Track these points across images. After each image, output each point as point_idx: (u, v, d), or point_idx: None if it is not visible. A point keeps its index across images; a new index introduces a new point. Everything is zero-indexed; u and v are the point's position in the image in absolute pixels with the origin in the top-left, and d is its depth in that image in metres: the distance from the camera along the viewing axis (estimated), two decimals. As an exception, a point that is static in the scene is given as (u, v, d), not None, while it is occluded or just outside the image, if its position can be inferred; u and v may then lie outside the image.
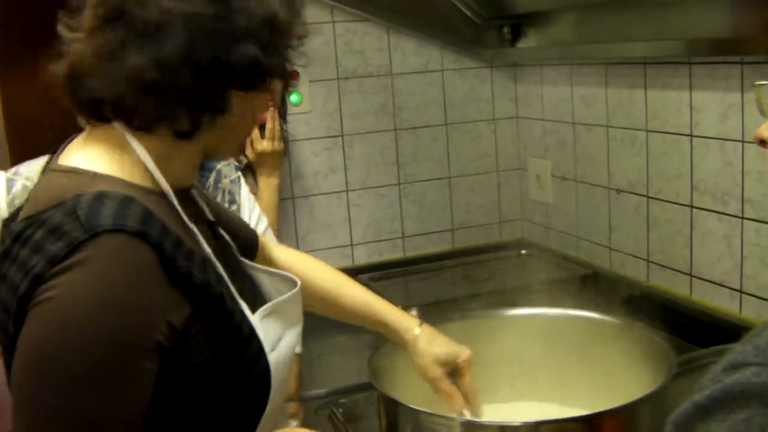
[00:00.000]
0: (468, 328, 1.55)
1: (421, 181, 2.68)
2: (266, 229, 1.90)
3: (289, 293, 1.16)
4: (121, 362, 0.89)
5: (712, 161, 1.91)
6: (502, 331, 1.55)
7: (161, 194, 1.02)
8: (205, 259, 1.01)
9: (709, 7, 1.80)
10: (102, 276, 0.88)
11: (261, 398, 1.05)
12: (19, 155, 2.47)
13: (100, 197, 0.92)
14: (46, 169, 1.05)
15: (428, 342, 1.41)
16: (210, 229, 1.18)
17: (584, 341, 1.52)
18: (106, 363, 0.88)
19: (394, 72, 2.59)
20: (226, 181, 1.81)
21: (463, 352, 1.42)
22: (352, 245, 2.64)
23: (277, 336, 1.09)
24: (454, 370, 1.43)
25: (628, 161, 2.21)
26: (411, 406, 1.25)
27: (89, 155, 1.00)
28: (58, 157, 1.04)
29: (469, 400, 1.42)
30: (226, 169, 1.82)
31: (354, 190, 2.61)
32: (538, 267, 2.58)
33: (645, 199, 2.16)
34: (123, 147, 1.01)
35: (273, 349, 1.06)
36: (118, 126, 1.00)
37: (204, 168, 1.77)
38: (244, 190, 1.88)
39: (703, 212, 1.96)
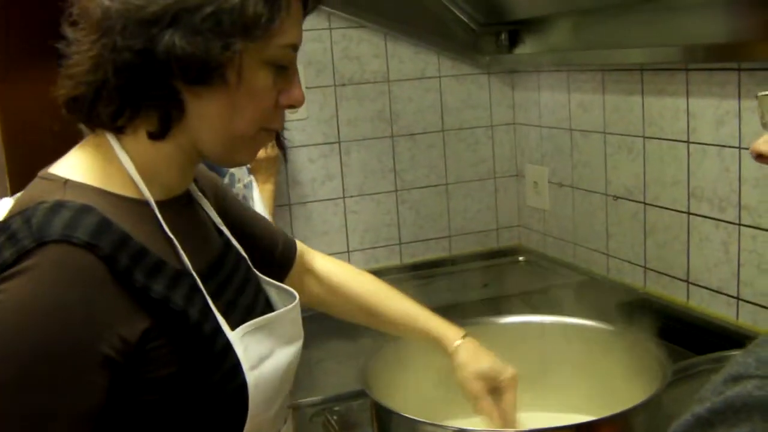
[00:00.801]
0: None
1: (418, 187, 2.67)
2: None
3: (280, 311, 1.14)
4: (54, 373, 0.87)
5: (709, 168, 1.91)
6: (497, 339, 1.53)
7: (144, 203, 1.01)
8: (180, 272, 0.99)
9: (706, 13, 1.80)
10: (43, 285, 0.87)
11: (238, 416, 1.02)
12: (17, 161, 2.47)
13: (57, 206, 0.91)
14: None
15: (471, 355, 1.37)
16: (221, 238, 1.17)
17: (579, 349, 1.51)
18: (35, 372, 0.87)
19: (391, 78, 2.59)
20: (239, 186, 1.81)
21: (507, 370, 1.37)
22: (349, 252, 2.63)
23: (262, 354, 1.06)
24: (495, 388, 1.37)
25: (625, 168, 2.20)
26: (404, 414, 1.24)
27: (73, 162, 1.00)
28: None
29: (506, 422, 1.35)
30: (239, 172, 1.82)
31: (351, 196, 2.61)
32: (536, 274, 2.57)
33: (642, 205, 2.16)
34: (109, 154, 1.00)
35: (254, 367, 1.03)
36: (105, 131, 1.00)
37: (218, 170, 1.76)
38: (256, 194, 1.87)
39: (700, 219, 1.96)
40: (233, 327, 1.03)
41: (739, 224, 1.84)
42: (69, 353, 0.88)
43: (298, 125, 2.50)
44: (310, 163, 2.55)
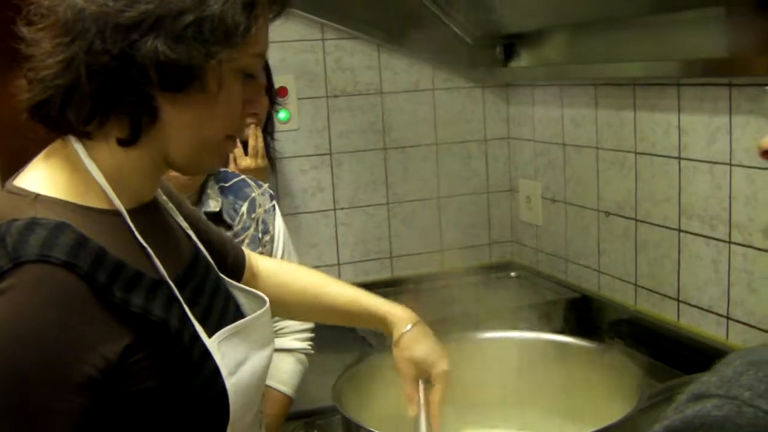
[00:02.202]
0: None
1: (410, 200, 2.65)
2: None
3: (252, 315, 1.12)
4: (35, 395, 0.85)
5: (700, 185, 1.88)
6: (476, 355, 1.51)
7: (115, 213, 0.99)
8: (157, 282, 0.98)
9: (701, 28, 1.78)
10: (21, 307, 0.85)
11: (219, 423, 1.01)
12: (1, 166, 2.45)
13: (31, 225, 0.88)
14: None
15: (413, 340, 1.37)
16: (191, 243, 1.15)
17: (559, 366, 1.49)
18: (15, 394, 0.84)
19: (384, 90, 2.57)
20: (260, 211, 1.78)
21: (439, 364, 1.37)
22: (339, 264, 2.61)
23: (238, 359, 1.04)
24: (427, 379, 1.37)
25: (617, 183, 2.18)
26: (373, 430, 1.21)
27: (40, 174, 0.98)
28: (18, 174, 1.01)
29: (429, 412, 1.35)
30: (261, 198, 1.79)
31: (342, 208, 2.59)
32: (527, 290, 2.54)
33: (633, 222, 2.13)
34: (76, 163, 0.98)
35: (232, 373, 1.02)
36: (70, 138, 0.98)
37: (238, 197, 1.74)
38: (279, 221, 1.84)
39: (691, 236, 1.93)
40: (210, 333, 1.02)
41: (730, 242, 1.81)
42: (50, 376, 0.86)
43: (289, 136, 2.49)
44: (301, 174, 2.53)
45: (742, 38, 1.70)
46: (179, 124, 0.98)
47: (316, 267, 2.53)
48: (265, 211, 1.81)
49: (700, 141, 1.86)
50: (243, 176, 1.83)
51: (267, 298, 1.18)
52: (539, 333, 1.56)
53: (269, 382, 1.87)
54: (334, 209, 2.57)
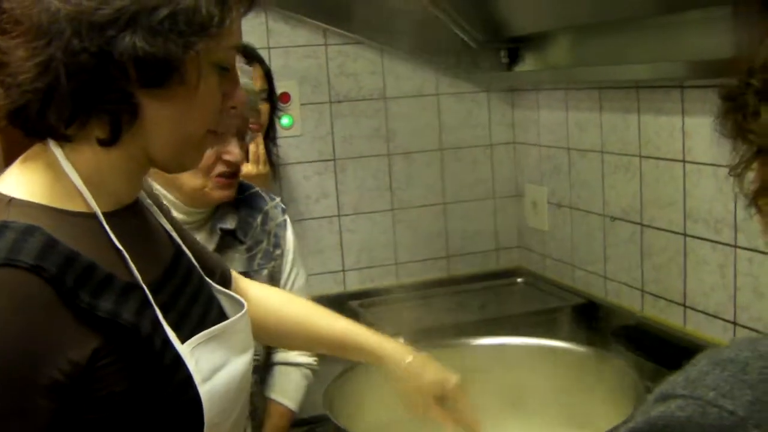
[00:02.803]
0: (441, 358, 1.50)
1: (415, 207, 2.63)
2: (302, 286, 1.85)
3: (229, 320, 1.11)
4: (0, 398, 0.85)
5: (705, 188, 1.85)
6: (475, 361, 1.49)
7: (92, 216, 0.97)
8: (130, 285, 0.96)
9: (707, 28, 1.76)
10: None
11: (194, 429, 0.99)
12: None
13: (1, 228, 0.88)
14: None
15: (419, 369, 1.38)
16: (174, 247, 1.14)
17: (559, 371, 1.46)
18: None
19: (387, 96, 2.55)
20: (272, 224, 1.76)
21: (451, 379, 1.39)
22: (344, 271, 2.59)
23: (214, 365, 1.03)
24: (442, 398, 1.39)
25: (623, 188, 2.15)
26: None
27: (17, 179, 0.97)
28: None
29: (464, 423, 1.38)
30: (273, 211, 1.78)
31: (346, 215, 2.57)
32: (533, 296, 2.51)
33: (639, 227, 2.10)
34: (54, 167, 0.97)
35: (207, 380, 1.00)
36: (48, 142, 0.97)
37: (253, 208, 1.73)
38: (290, 235, 1.82)
39: (697, 240, 1.90)
40: (187, 338, 1.00)
41: (735, 246, 1.78)
42: (16, 380, 0.86)
43: (292, 142, 2.47)
44: (304, 180, 2.51)
45: (748, 38, 1.67)
46: (160, 120, 0.98)
47: (321, 274, 2.52)
48: (277, 225, 1.80)
49: (705, 144, 1.83)
50: (256, 188, 1.81)
51: (245, 303, 1.17)
52: (538, 339, 1.54)
53: (274, 395, 1.86)
54: (339, 215, 2.56)
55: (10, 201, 0.93)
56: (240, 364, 1.09)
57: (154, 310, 0.98)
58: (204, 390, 0.99)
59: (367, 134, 2.55)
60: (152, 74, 0.94)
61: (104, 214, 0.98)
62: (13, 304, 0.85)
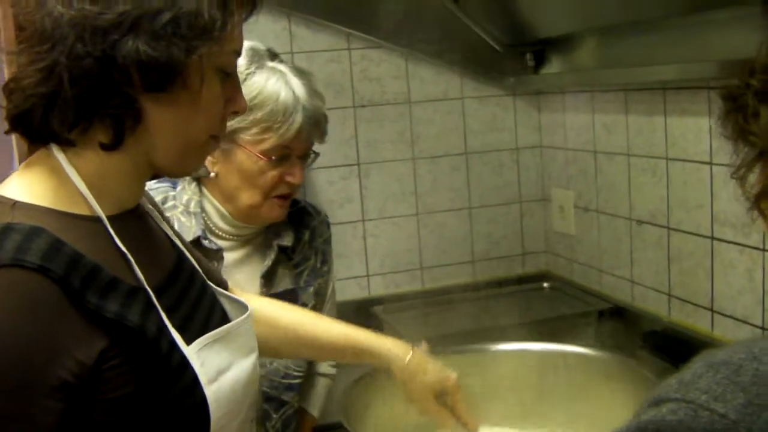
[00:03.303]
0: (459, 363, 1.49)
1: (440, 211, 2.61)
2: (331, 308, 1.85)
3: (233, 322, 1.11)
4: (8, 399, 0.85)
5: (732, 191, 1.80)
6: (495, 366, 1.48)
7: (95, 219, 0.98)
8: (135, 288, 0.97)
9: (739, 27, 1.72)
10: None
11: (201, 431, 0.99)
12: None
13: (6, 230, 0.89)
14: None
15: (419, 367, 1.42)
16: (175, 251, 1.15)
17: (579, 377, 1.44)
18: None
19: (412, 100, 2.53)
20: (319, 241, 1.76)
21: (450, 377, 1.43)
22: (368, 276, 2.58)
23: (219, 367, 1.03)
24: (441, 394, 1.43)
25: (649, 191, 2.11)
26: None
27: (21, 182, 0.98)
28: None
29: (464, 421, 1.43)
30: (321, 227, 1.77)
31: (371, 219, 2.55)
32: (560, 301, 2.48)
33: (666, 230, 2.06)
34: (58, 171, 0.98)
35: (213, 381, 1.00)
36: (51, 146, 0.98)
37: (302, 224, 1.72)
38: (332, 251, 1.82)
39: (724, 244, 1.86)
40: (191, 340, 1.01)
41: (764, 249, 1.74)
42: (24, 380, 0.86)
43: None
44: (328, 185, 2.50)
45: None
46: (163, 124, 0.98)
47: (345, 279, 2.51)
48: (324, 241, 1.79)
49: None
50: (302, 202, 1.80)
51: (249, 305, 1.18)
52: (559, 344, 1.51)
53: (304, 404, 1.86)
54: (363, 220, 2.55)
55: (15, 204, 0.94)
56: (245, 365, 1.09)
57: (159, 313, 0.98)
58: (210, 391, 0.99)
59: (391, 138, 2.54)
60: (155, 78, 0.94)
61: (107, 217, 0.99)
62: (21, 303, 0.86)
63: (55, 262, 0.88)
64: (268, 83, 1.53)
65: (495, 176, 2.64)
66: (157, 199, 1.57)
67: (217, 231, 1.61)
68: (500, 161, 2.64)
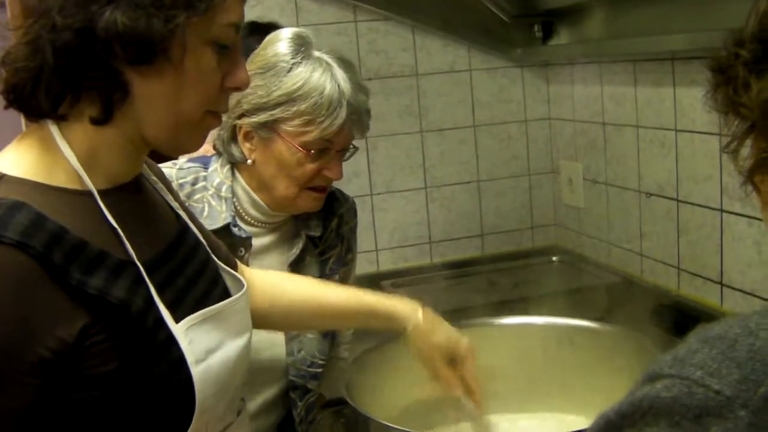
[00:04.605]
0: (469, 337, 1.48)
1: (448, 184, 2.60)
2: None
3: (225, 301, 1.09)
4: None
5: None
6: (499, 340, 1.47)
7: (87, 193, 0.97)
8: (124, 263, 0.96)
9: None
10: None
11: (186, 410, 0.98)
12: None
13: None
14: None
15: (429, 330, 1.40)
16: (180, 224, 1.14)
17: (583, 350, 1.44)
18: None
19: (419, 72, 2.52)
20: (346, 228, 1.74)
21: (462, 341, 1.42)
22: (377, 250, 2.57)
23: (209, 346, 1.02)
24: (452, 359, 1.42)
25: (658, 163, 2.09)
26: (381, 421, 1.18)
27: (13, 156, 0.97)
28: None
29: (470, 390, 1.41)
30: (348, 215, 1.75)
31: (379, 193, 2.55)
32: (568, 274, 2.47)
33: (675, 202, 2.05)
34: (50, 145, 0.97)
35: (201, 361, 0.99)
36: (46, 121, 0.97)
37: (329, 211, 1.69)
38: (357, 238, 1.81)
39: (734, 217, 1.84)
40: (183, 317, 1.00)
41: (773, 222, 1.72)
42: (1, 356, 0.86)
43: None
44: (335, 159, 2.49)
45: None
46: (150, 98, 0.97)
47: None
48: (350, 229, 1.77)
49: (741, 116, 1.77)
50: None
51: (245, 283, 1.16)
52: (563, 318, 1.50)
53: (321, 387, 1.86)
54: (371, 194, 2.54)
55: (2, 178, 0.92)
56: (236, 346, 1.08)
57: (148, 288, 0.97)
58: (197, 371, 0.98)
59: (398, 111, 2.52)
60: (136, 51, 0.93)
61: (99, 191, 0.98)
62: None
63: (36, 238, 0.87)
64: (314, 75, 1.49)
65: (503, 149, 2.62)
66: (188, 179, 1.56)
67: (246, 217, 1.60)
68: (508, 134, 2.62)
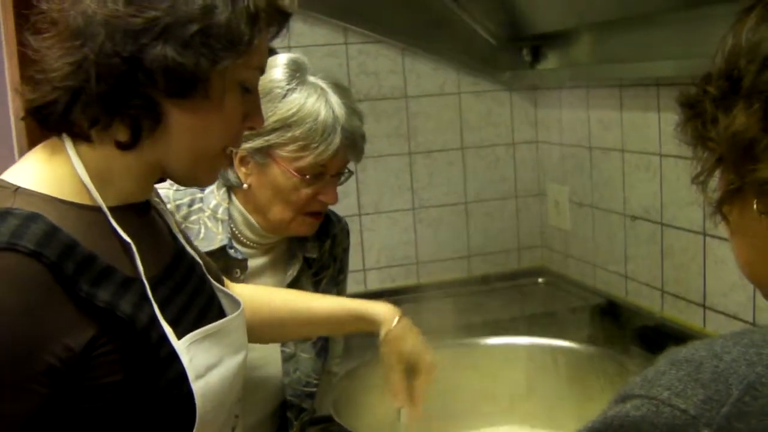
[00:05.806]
0: (453, 356, 1.50)
1: (436, 206, 2.62)
2: None
3: (224, 319, 1.12)
4: None
5: (724, 187, 1.82)
6: (485, 360, 1.49)
7: (97, 209, 1.00)
8: (130, 279, 0.98)
9: (730, 24, 1.72)
10: None
11: (186, 425, 1.00)
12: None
13: (5, 214, 0.91)
14: None
15: (400, 336, 1.43)
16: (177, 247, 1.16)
17: (567, 371, 1.45)
18: None
19: (408, 94, 2.54)
20: (339, 249, 1.75)
21: (426, 357, 1.43)
22: (365, 270, 2.59)
23: (209, 363, 1.04)
24: (413, 371, 1.43)
25: (643, 187, 2.12)
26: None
27: (26, 169, 1.00)
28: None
29: (413, 401, 1.42)
30: (341, 235, 1.77)
31: (367, 214, 2.56)
32: (554, 296, 2.50)
33: (659, 226, 2.07)
34: (65, 160, 1.00)
35: (200, 377, 1.02)
36: (63, 137, 1.00)
37: (323, 232, 1.71)
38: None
39: (716, 240, 1.87)
40: (183, 334, 1.02)
41: (755, 246, 1.75)
42: (10, 361, 0.88)
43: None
44: (324, 179, 2.51)
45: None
46: (181, 130, 1.00)
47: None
48: (343, 250, 1.78)
49: (724, 142, 1.80)
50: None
51: (242, 301, 1.19)
52: (547, 338, 1.52)
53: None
54: (359, 215, 2.56)
55: (17, 190, 0.96)
56: (233, 363, 1.10)
57: (151, 305, 1.00)
58: (197, 386, 1.01)
59: (387, 133, 2.55)
60: (179, 85, 0.97)
61: (109, 208, 1.01)
62: (13, 287, 0.88)
63: (50, 248, 0.89)
64: (308, 101, 1.50)
65: (491, 171, 2.65)
66: (184, 200, 1.57)
67: (242, 238, 1.61)
68: (496, 156, 2.65)
